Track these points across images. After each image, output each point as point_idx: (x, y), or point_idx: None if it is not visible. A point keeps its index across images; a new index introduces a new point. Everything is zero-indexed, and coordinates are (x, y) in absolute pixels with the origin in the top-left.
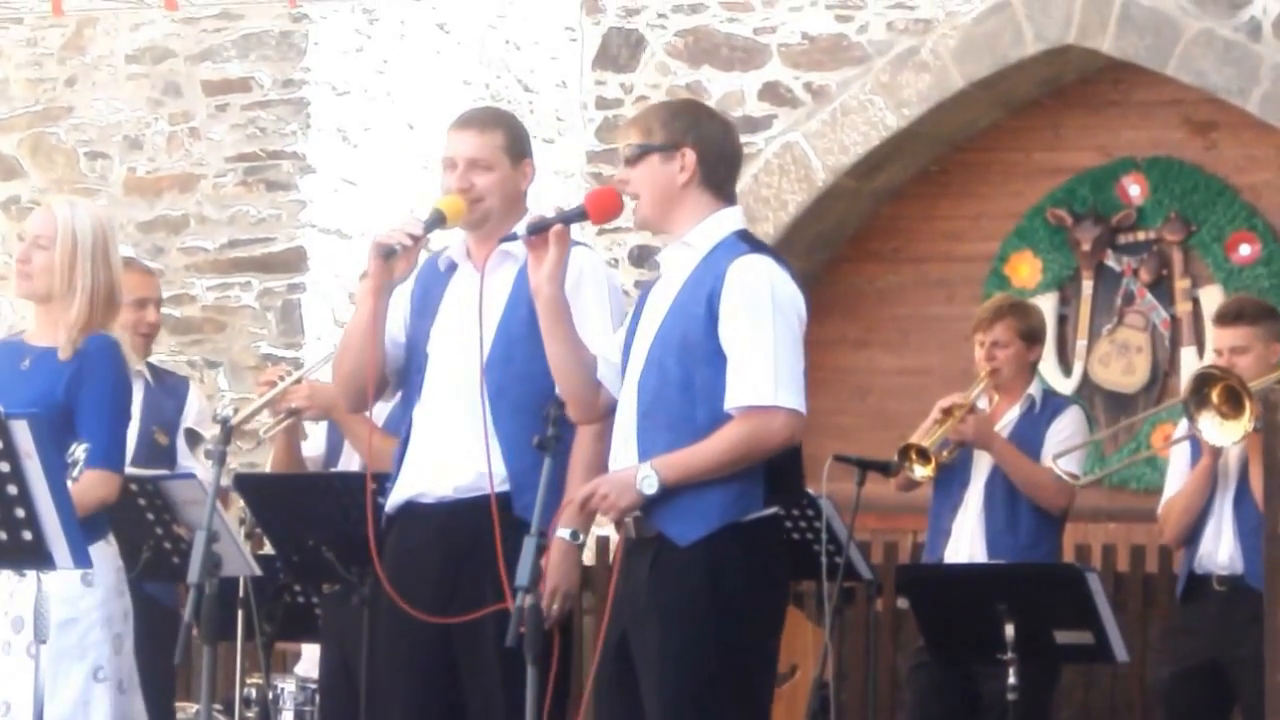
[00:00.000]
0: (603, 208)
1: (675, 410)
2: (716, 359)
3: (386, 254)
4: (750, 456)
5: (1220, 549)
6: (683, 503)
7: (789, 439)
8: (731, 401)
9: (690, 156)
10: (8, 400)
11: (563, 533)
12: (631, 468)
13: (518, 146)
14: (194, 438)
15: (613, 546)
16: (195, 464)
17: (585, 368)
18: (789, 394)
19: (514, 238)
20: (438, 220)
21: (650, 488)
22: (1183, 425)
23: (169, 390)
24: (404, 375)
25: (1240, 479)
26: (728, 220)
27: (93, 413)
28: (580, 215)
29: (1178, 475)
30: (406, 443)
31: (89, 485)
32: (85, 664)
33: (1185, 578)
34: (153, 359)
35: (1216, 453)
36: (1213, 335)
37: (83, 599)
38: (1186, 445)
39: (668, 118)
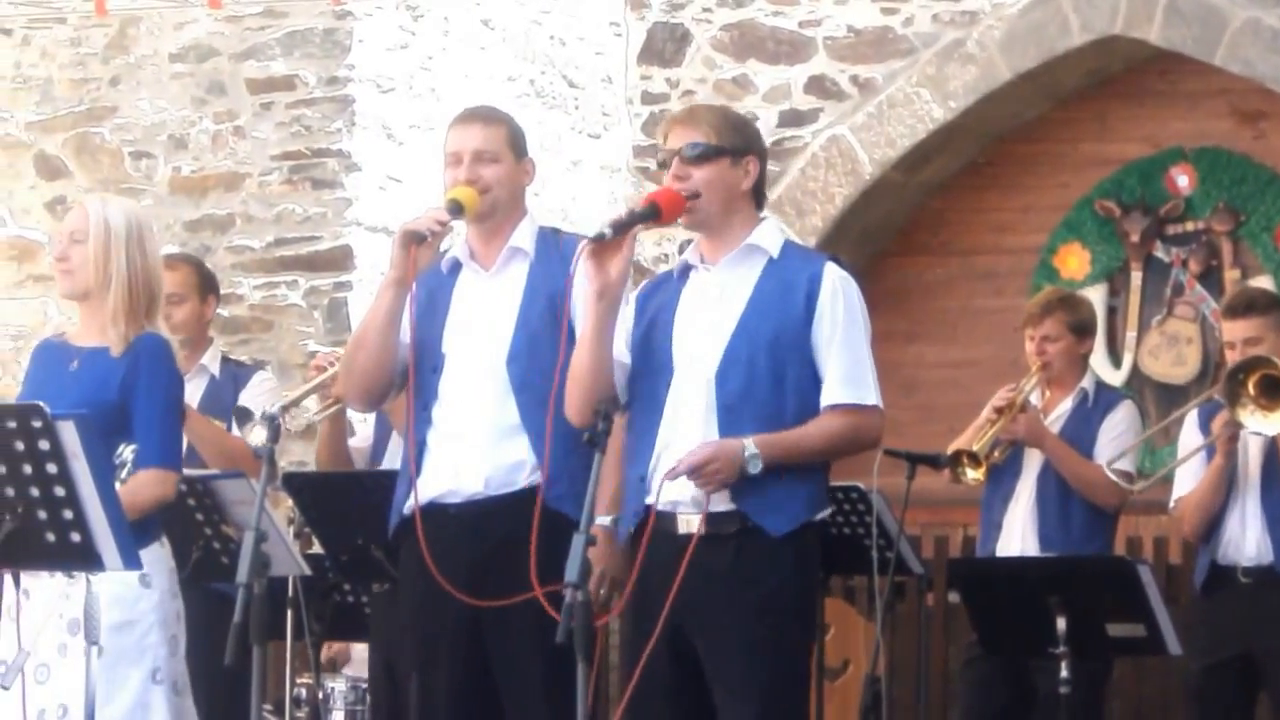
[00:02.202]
0: (670, 206)
1: (766, 404)
2: (809, 355)
3: (418, 240)
4: (847, 449)
5: (1247, 539)
6: (776, 494)
7: (879, 438)
8: (836, 397)
9: (754, 165)
10: (59, 401)
11: (603, 520)
12: (733, 444)
13: (520, 143)
14: (243, 415)
15: None
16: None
17: (613, 369)
18: (879, 398)
19: (602, 238)
20: (457, 210)
21: (756, 468)
22: (1192, 427)
23: (231, 378)
24: (415, 376)
25: (1265, 469)
26: (775, 227)
27: (146, 411)
28: (654, 213)
29: (1191, 471)
30: (422, 443)
31: (142, 484)
32: (143, 666)
33: (1207, 570)
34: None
35: (1233, 448)
36: (1223, 328)
37: (140, 601)
38: (1198, 438)
39: (737, 123)
